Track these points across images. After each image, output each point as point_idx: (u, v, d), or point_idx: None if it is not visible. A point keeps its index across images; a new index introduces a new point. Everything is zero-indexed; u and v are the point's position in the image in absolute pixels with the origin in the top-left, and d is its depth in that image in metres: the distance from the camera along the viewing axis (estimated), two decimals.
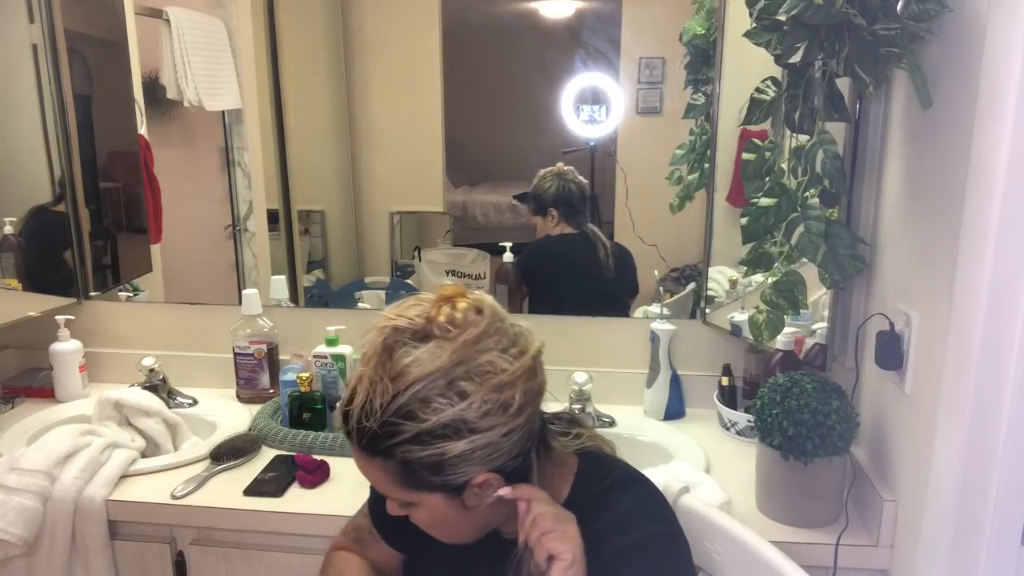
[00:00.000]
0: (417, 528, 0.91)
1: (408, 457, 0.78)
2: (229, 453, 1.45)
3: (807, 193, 1.15)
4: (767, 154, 1.22)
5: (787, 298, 1.24)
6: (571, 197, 1.86)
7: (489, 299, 0.84)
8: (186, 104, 1.85)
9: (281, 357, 1.76)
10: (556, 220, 1.86)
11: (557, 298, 1.87)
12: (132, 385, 1.65)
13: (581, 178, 1.86)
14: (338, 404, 0.86)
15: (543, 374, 0.85)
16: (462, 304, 0.81)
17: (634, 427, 1.60)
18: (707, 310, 1.69)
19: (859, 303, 1.34)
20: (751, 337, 1.35)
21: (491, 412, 0.77)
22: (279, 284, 1.86)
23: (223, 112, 1.92)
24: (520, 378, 0.79)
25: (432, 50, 1.89)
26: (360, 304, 1.94)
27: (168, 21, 1.82)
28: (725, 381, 1.61)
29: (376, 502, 1.05)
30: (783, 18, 1.03)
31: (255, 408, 1.67)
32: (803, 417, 1.17)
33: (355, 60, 1.90)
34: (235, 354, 1.73)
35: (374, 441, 0.78)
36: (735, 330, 1.61)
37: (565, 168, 1.86)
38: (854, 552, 1.19)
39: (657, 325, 1.63)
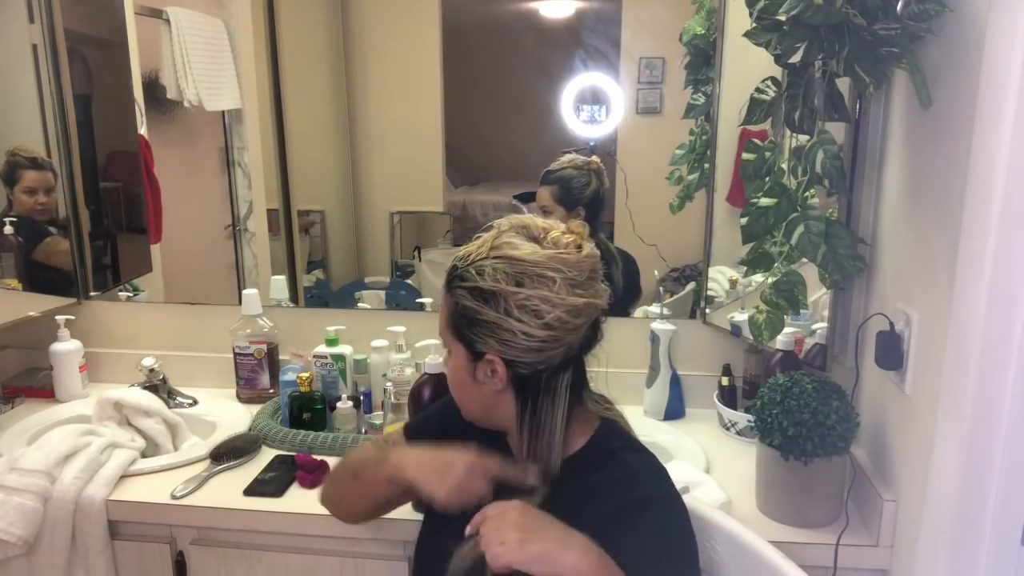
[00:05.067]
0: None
1: (461, 301, 0.96)
2: (229, 453, 1.45)
3: (807, 193, 1.15)
4: (767, 154, 1.22)
5: (787, 298, 1.24)
6: (601, 203, 1.78)
7: (596, 252, 0.98)
8: (186, 104, 1.84)
9: (281, 357, 1.76)
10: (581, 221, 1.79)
11: None
12: (132, 385, 1.65)
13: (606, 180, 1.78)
14: None
15: (586, 320, 0.96)
16: (570, 237, 0.97)
17: (634, 427, 1.59)
18: (707, 310, 1.69)
19: (859, 303, 1.35)
20: (751, 337, 1.35)
21: (525, 309, 0.92)
22: (279, 284, 1.86)
23: (223, 112, 1.92)
24: (563, 306, 0.92)
25: (432, 50, 1.89)
26: (360, 304, 1.94)
27: (168, 21, 1.82)
28: (725, 381, 1.61)
29: (414, 427, 1.19)
30: (783, 18, 1.03)
31: (255, 408, 1.67)
32: (803, 417, 1.17)
33: (355, 60, 1.90)
34: (235, 354, 1.73)
35: (453, 279, 0.98)
36: (735, 330, 1.61)
37: (601, 166, 1.77)
38: (854, 552, 1.19)
39: (657, 325, 1.63)
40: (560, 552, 0.86)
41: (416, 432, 1.17)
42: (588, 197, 1.77)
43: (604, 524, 0.90)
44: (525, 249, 0.94)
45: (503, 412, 1.00)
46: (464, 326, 0.97)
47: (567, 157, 1.79)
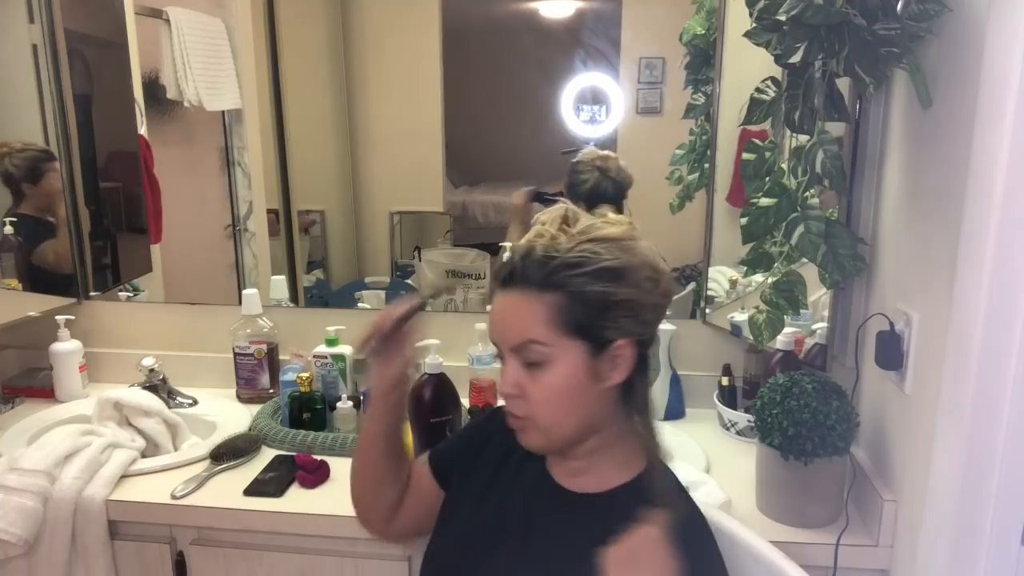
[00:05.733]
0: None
1: (585, 289, 0.87)
2: (229, 453, 1.45)
3: (807, 193, 1.15)
4: (767, 154, 1.22)
5: (787, 298, 1.24)
6: (605, 196, 1.74)
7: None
8: (186, 104, 1.85)
9: (281, 357, 1.76)
10: None
11: None
12: (132, 385, 1.65)
13: (626, 170, 1.73)
14: (506, 252, 0.99)
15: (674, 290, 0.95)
16: (620, 220, 0.94)
17: None
18: (707, 310, 1.69)
19: (859, 303, 1.34)
20: (751, 337, 1.35)
21: (648, 278, 0.89)
22: (279, 284, 1.86)
23: (223, 112, 1.92)
24: (666, 274, 0.92)
25: (432, 50, 1.89)
26: (360, 304, 1.94)
27: (168, 21, 1.82)
28: (725, 381, 1.61)
29: (439, 451, 1.13)
30: (783, 18, 1.03)
31: (255, 408, 1.67)
32: (803, 417, 1.17)
33: (355, 60, 1.90)
34: (235, 354, 1.73)
35: (557, 270, 0.87)
36: (735, 330, 1.61)
37: (609, 157, 1.73)
38: (854, 552, 1.19)
39: None
40: None
41: (440, 457, 1.13)
42: (585, 192, 1.77)
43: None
44: (612, 228, 0.90)
45: (598, 418, 0.93)
46: (593, 316, 0.88)
47: (587, 150, 1.78)
